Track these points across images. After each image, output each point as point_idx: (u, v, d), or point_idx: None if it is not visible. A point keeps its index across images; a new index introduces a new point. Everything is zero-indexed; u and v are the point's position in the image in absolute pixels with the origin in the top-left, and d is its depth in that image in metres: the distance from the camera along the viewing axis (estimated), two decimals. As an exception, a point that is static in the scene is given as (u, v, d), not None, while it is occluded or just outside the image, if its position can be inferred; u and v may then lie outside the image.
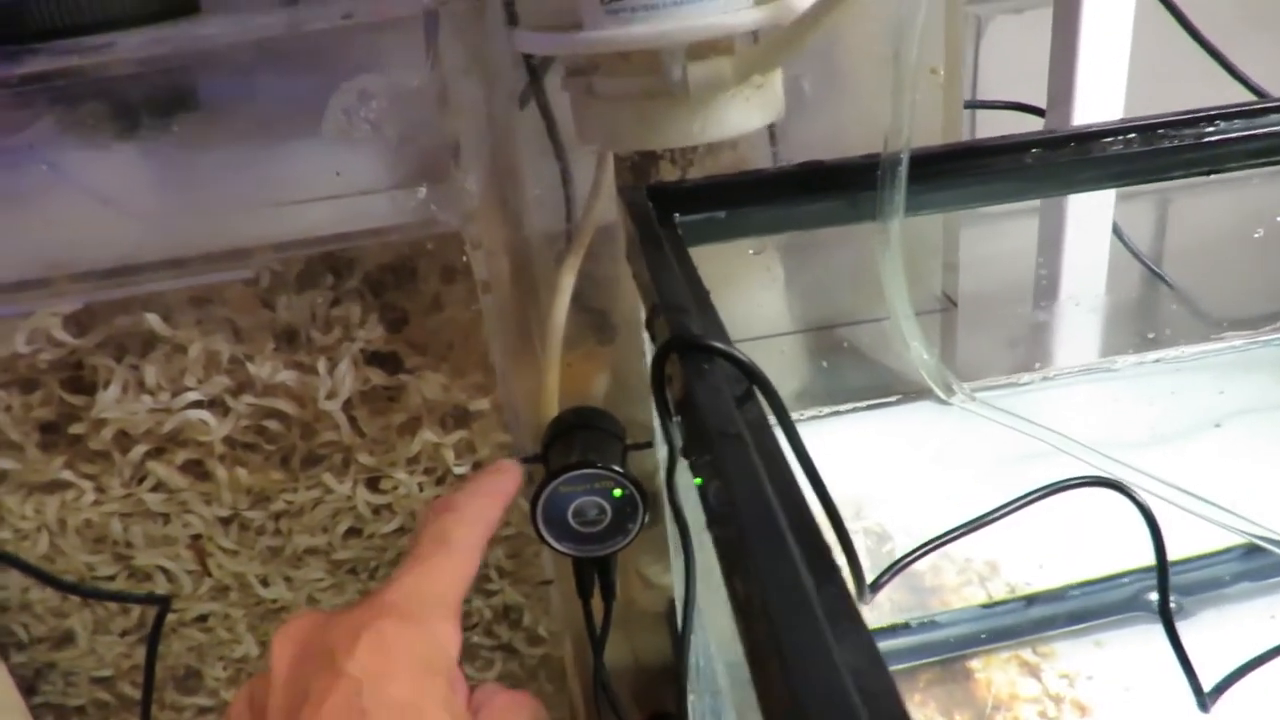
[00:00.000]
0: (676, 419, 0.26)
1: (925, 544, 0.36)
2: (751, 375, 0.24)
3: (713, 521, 0.21)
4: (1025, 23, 0.71)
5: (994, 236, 0.64)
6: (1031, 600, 0.42)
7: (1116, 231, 0.59)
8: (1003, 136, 0.37)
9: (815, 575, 0.17)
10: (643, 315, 0.32)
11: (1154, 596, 0.40)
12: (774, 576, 0.17)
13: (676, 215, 0.36)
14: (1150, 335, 0.57)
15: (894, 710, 0.15)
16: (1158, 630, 0.37)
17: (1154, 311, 0.64)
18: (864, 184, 0.36)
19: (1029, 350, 0.59)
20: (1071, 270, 0.57)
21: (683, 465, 0.27)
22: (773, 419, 0.23)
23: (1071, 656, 0.40)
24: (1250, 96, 0.55)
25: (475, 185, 0.39)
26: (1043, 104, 0.56)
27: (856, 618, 0.16)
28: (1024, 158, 0.36)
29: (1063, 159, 0.36)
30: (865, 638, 0.16)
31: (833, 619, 0.16)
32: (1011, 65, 0.66)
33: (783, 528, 0.18)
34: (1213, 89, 0.54)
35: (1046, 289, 0.58)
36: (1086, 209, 0.57)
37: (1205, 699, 0.34)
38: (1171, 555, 0.36)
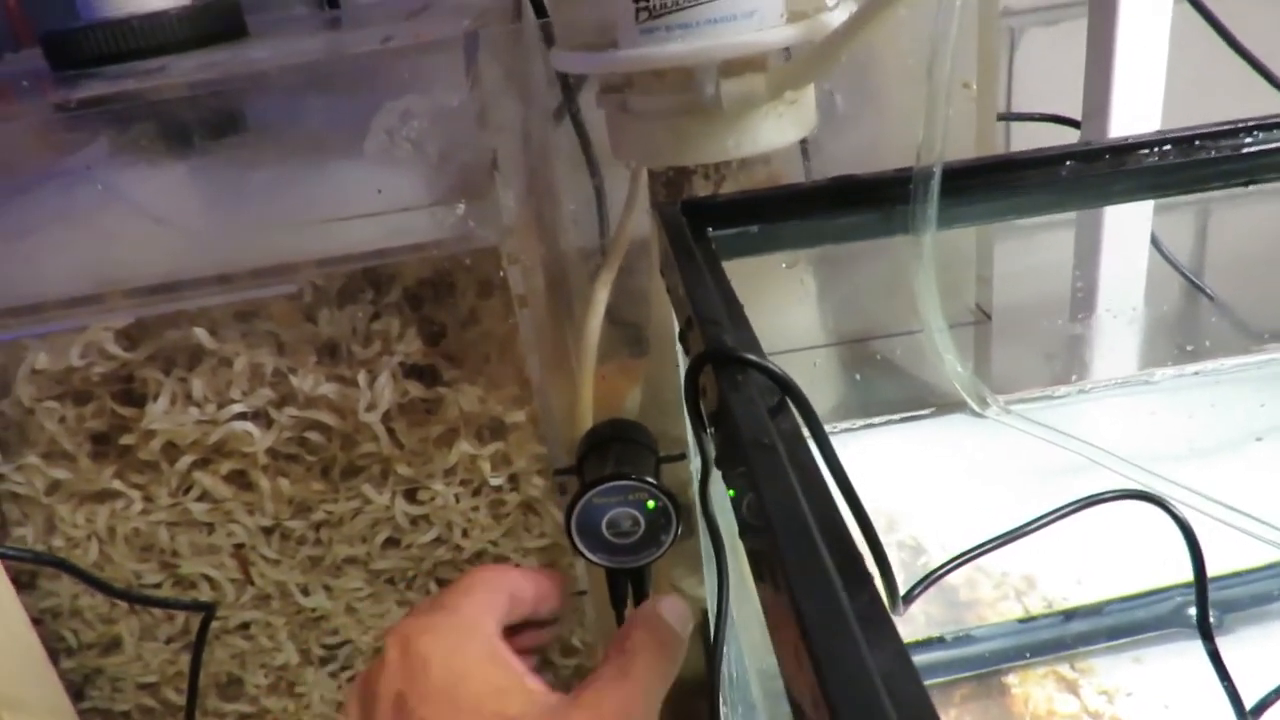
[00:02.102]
0: (710, 430, 0.26)
1: (959, 555, 0.35)
2: (784, 386, 0.24)
3: (745, 531, 0.21)
4: (1059, 34, 0.71)
5: (1028, 249, 0.63)
6: (1069, 615, 0.42)
7: (1155, 243, 0.58)
8: (1036, 150, 0.37)
9: (848, 584, 0.17)
10: (675, 329, 0.33)
11: (1194, 612, 0.39)
12: (806, 584, 0.17)
13: (710, 229, 0.36)
14: (1189, 347, 0.56)
15: (925, 714, 0.15)
16: (1198, 646, 0.36)
17: (1193, 323, 0.63)
18: (897, 198, 0.36)
19: (1065, 363, 0.59)
20: (1109, 282, 0.57)
21: (716, 477, 0.27)
22: (806, 430, 0.24)
23: (1110, 672, 0.40)
24: (1290, 106, 0.54)
25: (513, 201, 0.40)
26: (1078, 116, 0.56)
27: (888, 624, 0.17)
28: (1058, 171, 0.36)
29: (1097, 172, 0.36)
30: (897, 644, 0.16)
31: (865, 625, 0.16)
32: (1045, 77, 0.66)
33: (815, 536, 0.18)
34: (1251, 100, 0.53)
35: (1083, 301, 0.57)
36: (1124, 220, 0.56)
37: (1247, 717, 0.34)
38: (1212, 570, 0.35)
